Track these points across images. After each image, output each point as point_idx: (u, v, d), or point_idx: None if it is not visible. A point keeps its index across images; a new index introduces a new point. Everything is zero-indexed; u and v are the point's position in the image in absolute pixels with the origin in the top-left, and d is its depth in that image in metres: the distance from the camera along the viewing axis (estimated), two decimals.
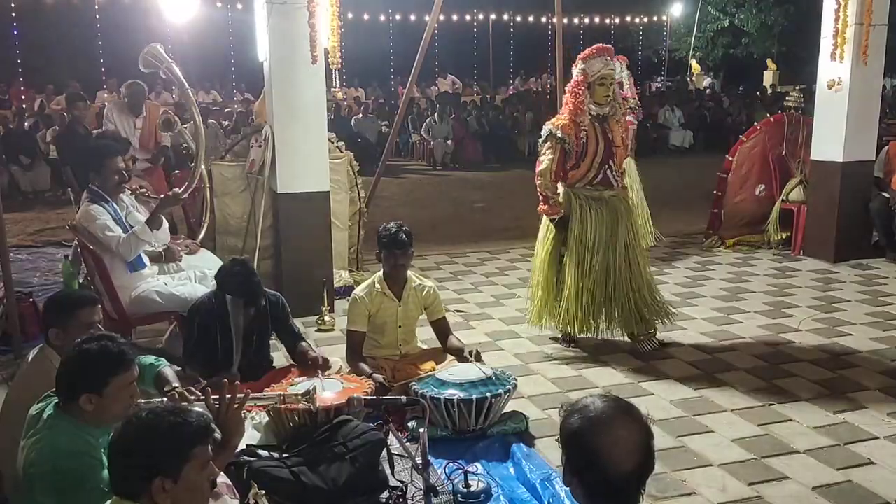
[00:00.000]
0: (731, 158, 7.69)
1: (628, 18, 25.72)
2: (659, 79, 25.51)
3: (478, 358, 3.98)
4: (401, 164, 15.59)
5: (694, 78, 24.09)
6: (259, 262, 5.60)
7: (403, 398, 3.50)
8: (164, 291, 4.35)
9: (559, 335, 4.98)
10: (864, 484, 3.26)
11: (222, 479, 2.39)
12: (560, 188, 4.75)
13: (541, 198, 4.75)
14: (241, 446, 3.03)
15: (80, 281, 5.40)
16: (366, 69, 22.54)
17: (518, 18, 24.96)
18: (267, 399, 3.06)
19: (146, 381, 2.91)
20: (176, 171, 7.85)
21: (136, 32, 14.14)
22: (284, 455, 3.13)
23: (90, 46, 20.11)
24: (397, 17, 22.84)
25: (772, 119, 7.93)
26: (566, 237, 4.73)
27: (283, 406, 3.16)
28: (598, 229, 4.66)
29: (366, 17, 21.29)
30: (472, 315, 5.69)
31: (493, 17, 24.79)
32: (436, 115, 15.89)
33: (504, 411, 3.73)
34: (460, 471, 3.19)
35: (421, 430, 2.81)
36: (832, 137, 6.92)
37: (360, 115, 16.33)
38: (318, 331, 5.31)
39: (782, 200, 7.52)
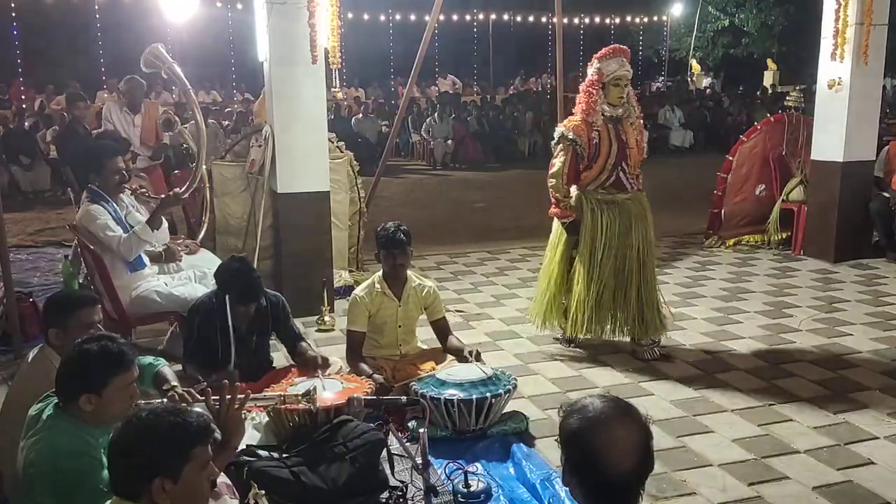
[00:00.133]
0: (731, 158, 7.69)
1: (628, 18, 25.72)
2: (659, 79, 25.52)
3: (478, 358, 3.98)
4: (401, 164, 15.59)
5: (694, 78, 24.11)
6: (259, 262, 5.60)
7: (403, 398, 3.51)
8: (164, 291, 4.35)
9: (560, 335, 4.96)
10: (864, 484, 3.25)
11: (222, 479, 2.39)
12: (573, 191, 4.67)
13: (552, 200, 4.67)
14: (241, 446, 3.03)
15: (80, 281, 5.40)
16: (366, 69, 22.56)
17: (518, 18, 24.96)
18: (267, 399, 3.06)
19: (145, 381, 2.91)
20: (176, 171, 7.86)
21: (136, 32, 14.17)
22: (284, 455, 3.13)
23: (90, 46, 20.12)
24: (397, 17, 22.84)
25: (772, 119, 7.93)
26: (577, 241, 4.66)
27: (282, 406, 3.16)
28: (610, 234, 4.58)
29: (366, 17, 21.29)
30: (472, 315, 5.69)
31: (493, 17, 24.79)
32: (436, 115, 15.88)
33: (504, 411, 3.73)
34: (460, 471, 3.19)
35: (421, 430, 2.82)
36: (832, 137, 6.92)
37: (360, 115, 16.32)
38: (318, 331, 5.31)
39: (782, 200, 7.52)
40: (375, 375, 3.81)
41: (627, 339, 4.82)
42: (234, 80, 21.98)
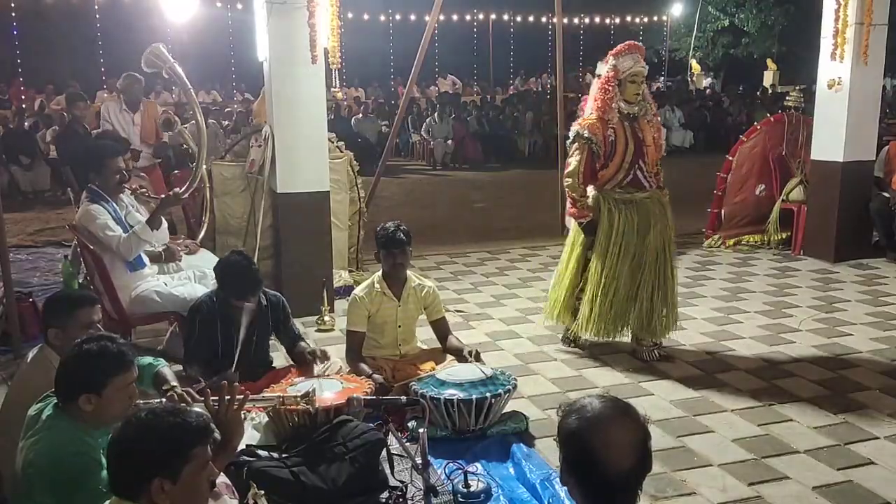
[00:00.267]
0: (731, 158, 7.69)
1: (628, 18, 25.72)
2: (659, 79, 25.52)
3: (477, 358, 3.98)
4: (401, 164, 15.60)
5: (694, 78, 24.11)
6: (259, 262, 5.58)
7: (403, 398, 3.51)
8: (164, 291, 4.34)
9: (565, 333, 4.92)
10: (864, 484, 3.25)
11: (222, 479, 2.39)
12: (590, 191, 4.59)
13: (569, 200, 4.62)
14: (241, 446, 3.03)
15: (80, 281, 5.40)
16: (366, 69, 22.57)
17: (518, 18, 24.98)
18: (266, 401, 3.06)
19: (144, 381, 2.91)
20: (176, 171, 7.86)
21: (136, 32, 14.16)
22: (284, 455, 3.12)
23: (90, 46, 20.12)
24: (397, 17, 22.85)
25: (772, 119, 7.93)
26: (594, 241, 4.58)
27: (282, 406, 3.16)
28: (628, 234, 4.50)
29: (366, 17, 21.29)
30: (472, 315, 5.69)
31: (493, 17, 24.81)
32: (436, 115, 15.89)
33: (504, 411, 3.73)
34: (460, 471, 3.19)
35: (421, 430, 2.81)
36: (832, 137, 6.91)
37: (360, 115, 16.33)
38: (318, 331, 5.31)
39: (782, 200, 7.52)
40: (375, 375, 3.81)
41: (627, 339, 4.82)
42: (234, 80, 22.00)
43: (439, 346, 4.28)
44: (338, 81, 17.53)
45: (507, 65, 26.05)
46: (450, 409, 3.54)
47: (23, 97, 17.15)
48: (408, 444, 3.31)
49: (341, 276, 6.08)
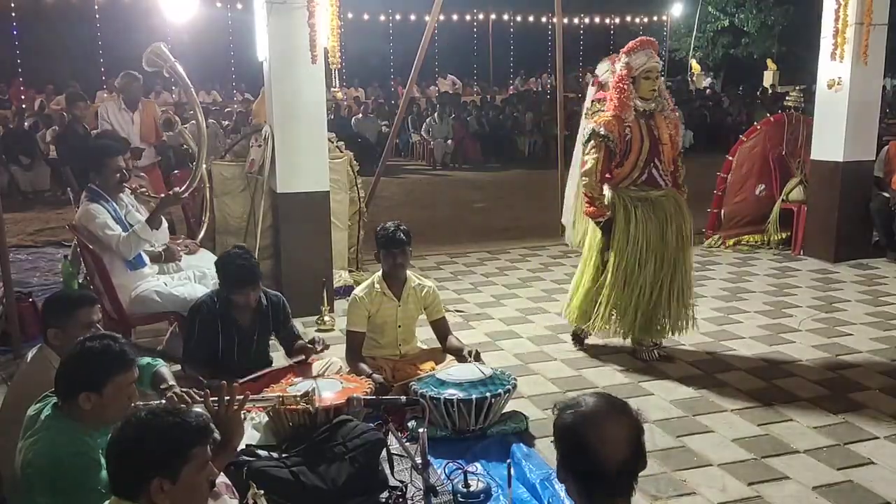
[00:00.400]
0: (731, 158, 7.69)
1: (628, 18, 25.73)
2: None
3: (477, 358, 3.98)
4: (401, 164, 15.60)
5: (694, 78, 24.10)
6: (259, 262, 5.58)
7: (403, 398, 3.50)
8: (164, 291, 4.34)
9: (573, 333, 4.89)
10: (864, 484, 3.25)
11: (222, 479, 2.39)
12: (606, 190, 4.53)
13: (585, 199, 4.52)
14: (241, 446, 3.03)
15: (80, 281, 5.40)
16: (366, 69, 22.57)
17: (518, 18, 24.99)
18: (266, 401, 3.06)
19: (143, 382, 2.90)
20: (176, 171, 7.86)
21: (136, 32, 14.17)
22: (284, 455, 3.12)
23: (90, 46, 20.13)
24: (397, 17, 22.86)
25: (772, 119, 7.92)
26: (611, 240, 4.52)
27: (282, 407, 3.16)
28: (646, 232, 4.43)
29: (366, 17, 21.30)
30: (472, 315, 5.69)
31: (493, 17, 24.81)
32: (436, 115, 15.89)
33: (504, 411, 3.73)
34: (460, 471, 3.19)
35: (420, 430, 2.81)
36: (832, 137, 6.91)
37: (360, 115, 16.33)
38: (318, 331, 5.29)
39: (782, 200, 7.52)
40: (375, 375, 3.81)
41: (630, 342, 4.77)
42: (234, 80, 22.00)
43: (439, 346, 4.28)
44: (338, 81, 17.55)
45: (507, 65, 26.06)
46: (450, 408, 3.54)
47: (23, 97, 17.16)
48: (408, 444, 3.31)
49: (341, 276, 6.08)
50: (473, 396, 3.53)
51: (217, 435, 2.25)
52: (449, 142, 15.51)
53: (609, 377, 4.47)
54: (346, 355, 4.08)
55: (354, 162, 6.57)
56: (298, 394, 3.07)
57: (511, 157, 16.27)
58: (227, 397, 2.41)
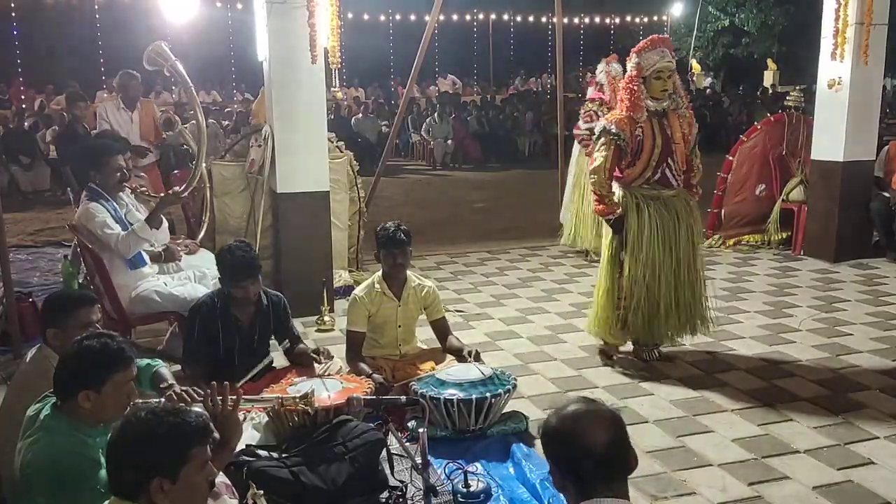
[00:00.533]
0: (731, 158, 7.68)
1: (628, 18, 25.73)
2: None
3: (477, 358, 3.97)
4: (401, 164, 15.60)
5: (694, 78, 24.09)
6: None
7: (403, 398, 3.50)
8: (164, 291, 4.34)
9: (602, 348, 4.69)
10: (864, 484, 3.25)
11: (221, 479, 2.39)
12: (616, 187, 4.44)
13: (594, 197, 4.44)
14: (241, 446, 3.03)
15: (80, 281, 5.40)
16: (366, 69, 22.58)
17: (518, 18, 24.99)
18: (265, 402, 3.06)
19: (143, 383, 2.91)
20: (176, 171, 7.86)
21: (136, 32, 14.17)
22: (284, 455, 3.12)
23: (90, 46, 20.14)
24: (397, 17, 22.86)
25: (772, 119, 7.92)
26: (624, 239, 4.41)
27: (282, 407, 3.16)
28: (659, 231, 4.34)
29: (366, 17, 21.31)
30: (471, 315, 5.69)
31: (493, 17, 24.81)
32: (436, 115, 15.90)
33: (504, 411, 3.72)
34: (460, 471, 3.19)
35: (420, 429, 2.81)
36: (832, 137, 6.91)
37: (360, 115, 16.33)
38: (318, 331, 5.31)
39: (782, 200, 7.52)
40: (375, 375, 3.81)
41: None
42: (234, 80, 22.00)
43: (439, 346, 4.28)
44: (338, 81, 17.54)
45: (507, 65, 26.06)
46: (450, 408, 3.54)
47: (23, 97, 17.17)
48: (408, 443, 3.31)
49: (341, 276, 6.08)
50: (473, 396, 3.53)
51: (216, 435, 2.25)
52: (449, 142, 15.51)
53: (609, 377, 4.47)
54: (346, 355, 4.08)
55: (354, 162, 6.57)
56: (298, 394, 3.07)
57: (511, 157, 16.27)
58: (220, 398, 2.41)
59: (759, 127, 7.83)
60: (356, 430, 3.16)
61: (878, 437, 3.66)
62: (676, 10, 25.16)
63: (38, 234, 8.93)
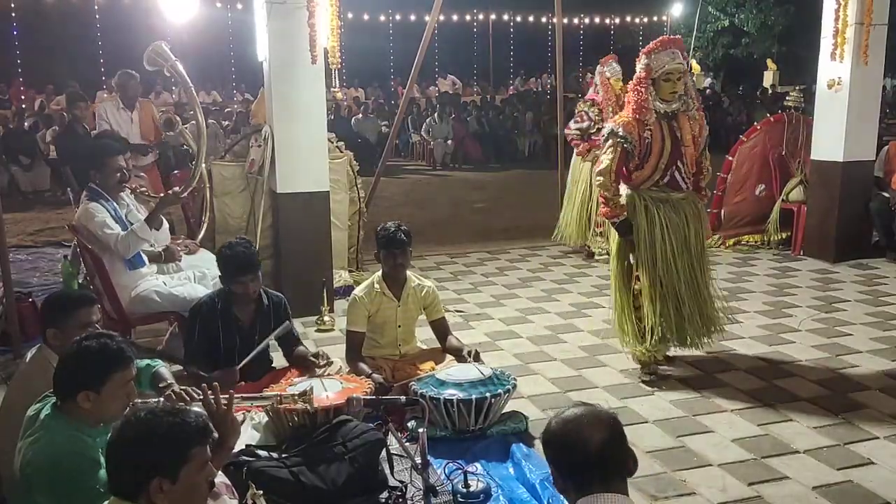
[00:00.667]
0: (731, 158, 7.68)
1: (628, 18, 25.72)
2: None
3: (476, 358, 3.97)
4: (401, 164, 15.60)
5: (694, 78, 24.02)
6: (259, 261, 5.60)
7: (403, 398, 3.50)
8: (164, 291, 4.34)
9: (641, 368, 4.44)
10: (864, 484, 3.25)
11: (221, 479, 2.39)
12: (623, 189, 4.36)
13: (601, 199, 4.39)
14: (241, 446, 3.03)
15: (80, 281, 5.40)
16: (366, 69, 22.57)
17: (518, 18, 24.97)
18: (264, 400, 3.06)
19: (143, 383, 2.91)
20: (176, 171, 7.86)
21: (136, 32, 14.17)
22: (283, 455, 3.12)
23: (90, 46, 20.13)
24: (397, 17, 22.85)
25: (772, 119, 7.92)
26: (634, 242, 4.32)
27: (281, 406, 3.16)
28: (669, 233, 4.25)
29: (366, 17, 21.29)
30: (471, 315, 5.69)
31: (493, 17, 24.80)
32: (436, 115, 15.90)
33: (504, 411, 3.73)
34: (460, 471, 3.19)
35: (420, 430, 2.81)
36: (832, 137, 6.91)
37: (360, 115, 16.33)
38: (318, 331, 5.31)
39: (782, 200, 7.52)
40: (375, 375, 3.81)
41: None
42: (234, 80, 22.00)
43: (439, 346, 4.28)
44: (338, 81, 17.53)
45: (507, 65, 26.05)
46: (449, 409, 3.54)
47: (23, 97, 17.17)
48: (407, 444, 3.31)
49: (341, 276, 6.08)
50: (473, 396, 3.53)
51: (216, 434, 2.25)
52: (449, 142, 15.51)
53: (609, 377, 4.47)
54: (345, 355, 4.08)
55: (354, 162, 6.57)
56: (296, 393, 3.07)
57: (511, 157, 16.27)
58: (213, 397, 2.41)
59: (758, 127, 7.83)
60: (356, 430, 3.16)
61: (877, 437, 3.66)
62: (676, 11, 25.12)
63: (38, 234, 8.93)
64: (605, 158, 4.32)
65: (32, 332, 4.88)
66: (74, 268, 5.57)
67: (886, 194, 7.03)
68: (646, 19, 25.82)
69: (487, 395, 3.55)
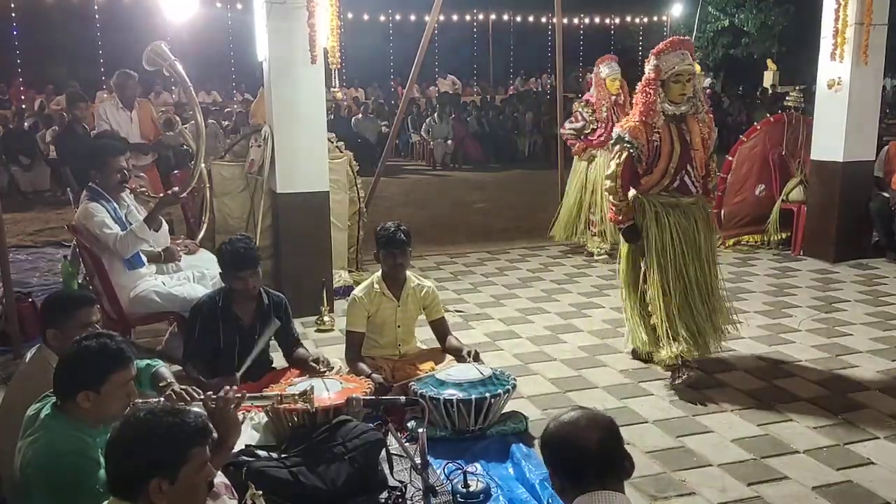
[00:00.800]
0: (731, 158, 7.68)
1: (628, 18, 25.72)
2: None
3: (476, 358, 3.97)
4: (401, 164, 15.61)
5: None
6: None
7: (402, 398, 3.50)
8: (163, 291, 4.34)
9: (671, 378, 4.27)
10: (864, 484, 3.25)
11: (221, 479, 2.39)
12: (632, 194, 4.31)
13: (610, 205, 4.37)
14: (241, 446, 3.03)
15: (80, 281, 5.40)
16: (366, 69, 22.57)
17: (518, 18, 24.97)
18: (264, 399, 3.05)
19: (143, 383, 2.90)
20: (175, 172, 7.86)
21: (136, 32, 14.16)
22: (283, 455, 3.12)
23: (90, 46, 20.13)
24: (397, 17, 22.86)
25: (772, 119, 7.92)
26: (643, 247, 4.28)
27: (281, 406, 3.16)
28: (682, 237, 4.20)
29: (366, 17, 21.30)
30: (471, 315, 5.69)
31: (493, 17, 24.81)
32: (436, 115, 15.90)
33: (503, 411, 3.72)
34: (459, 471, 3.19)
35: (420, 430, 2.81)
36: (832, 137, 6.91)
37: (360, 116, 16.33)
38: (318, 331, 5.31)
39: (782, 200, 7.52)
40: (374, 375, 3.81)
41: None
42: (234, 80, 22.00)
43: (438, 346, 4.28)
44: (338, 81, 17.54)
45: (507, 65, 26.07)
46: (449, 409, 3.54)
47: (23, 97, 17.16)
48: (407, 444, 3.31)
49: (341, 276, 6.08)
50: (473, 397, 3.53)
51: (215, 434, 2.25)
52: (449, 142, 15.51)
53: (608, 377, 4.46)
54: (345, 355, 4.08)
55: (354, 162, 6.57)
56: (297, 392, 3.06)
57: (511, 157, 16.27)
58: (223, 396, 2.41)
59: (758, 127, 7.82)
60: (356, 431, 3.16)
61: (877, 437, 3.66)
62: (676, 11, 25.14)
63: (37, 234, 8.93)
64: (613, 163, 4.30)
65: (32, 332, 4.88)
66: (74, 268, 5.57)
67: (886, 194, 7.03)
68: (646, 19, 25.82)
69: (487, 395, 3.55)
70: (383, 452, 3.21)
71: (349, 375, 3.78)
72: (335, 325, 5.33)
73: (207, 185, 5.85)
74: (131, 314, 4.35)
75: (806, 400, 4.09)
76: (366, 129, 15.64)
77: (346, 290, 5.67)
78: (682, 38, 4.42)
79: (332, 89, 16.07)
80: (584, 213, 7.32)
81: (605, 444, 1.95)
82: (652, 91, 4.18)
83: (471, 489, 3.10)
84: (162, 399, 2.76)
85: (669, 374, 4.29)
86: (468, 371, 3.74)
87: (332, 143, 6.27)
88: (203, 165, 5.67)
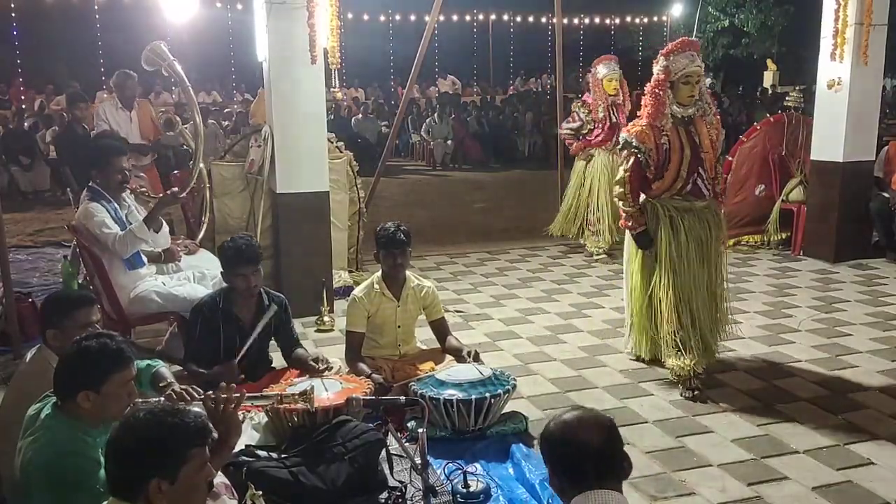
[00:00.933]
0: (730, 159, 7.68)
1: (628, 18, 25.69)
2: None
3: (476, 358, 3.97)
4: (401, 165, 15.60)
5: None
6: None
7: (402, 398, 3.50)
8: (163, 291, 4.34)
9: (686, 386, 4.17)
10: (864, 484, 3.25)
11: (221, 479, 2.39)
12: (642, 199, 4.26)
13: (620, 212, 4.32)
14: (241, 446, 3.02)
15: (80, 281, 5.40)
16: (366, 69, 22.56)
17: (518, 18, 24.95)
18: (264, 399, 3.05)
19: (143, 383, 2.90)
20: (175, 172, 7.86)
21: (136, 32, 14.16)
22: (283, 455, 3.12)
23: (90, 46, 20.12)
24: (397, 17, 22.83)
25: (772, 119, 7.92)
26: (656, 253, 4.20)
27: (281, 406, 3.16)
28: (695, 242, 4.15)
29: (366, 17, 21.27)
30: (471, 315, 5.69)
31: (493, 17, 24.79)
32: (436, 115, 15.90)
33: (503, 412, 3.73)
34: (459, 471, 3.19)
35: (420, 430, 2.80)
36: (832, 137, 6.91)
37: (360, 116, 16.33)
38: (318, 331, 5.31)
39: (782, 200, 7.52)
40: (374, 375, 3.81)
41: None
42: (234, 81, 21.99)
43: (439, 346, 4.28)
44: (337, 81, 17.52)
45: (507, 65, 26.04)
46: (449, 409, 3.54)
47: (23, 97, 17.14)
48: (407, 444, 3.31)
49: (341, 277, 6.08)
50: (473, 397, 3.53)
51: (215, 434, 2.25)
52: (449, 142, 15.51)
53: (608, 377, 4.46)
54: (345, 355, 4.08)
55: (354, 162, 6.57)
56: (297, 392, 3.06)
57: (511, 158, 16.28)
58: (224, 396, 2.41)
59: (758, 127, 7.83)
60: (355, 431, 3.16)
61: (878, 437, 3.66)
62: (676, 11, 25.11)
63: (37, 234, 8.93)
64: (621, 169, 4.26)
65: (32, 332, 4.88)
66: (74, 268, 5.57)
67: (886, 194, 7.03)
68: (646, 19, 25.79)
69: (487, 395, 3.55)
70: (383, 452, 3.21)
71: (349, 375, 3.78)
72: (335, 325, 5.33)
73: (207, 186, 5.85)
74: (131, 314, 4.35)
75: (806, 400, 4.10)
76: (366, 129, 15.64)
77: (346, 290, 5.67)
78: (690, 38, 4.38)
79: (331, 89, 16.02)
80: (583, 213, 7.34)
81: (604, 443, 1.96)
82: (661, 93, 4.13)
83: (471, 489, 3.10)
84: (162, 399, 2.76)
85: (684, 385, 4.18)
86: (468, 371, 3.75)
87: (332, 143, 6.28)
88: (203, 165, 5.67)
